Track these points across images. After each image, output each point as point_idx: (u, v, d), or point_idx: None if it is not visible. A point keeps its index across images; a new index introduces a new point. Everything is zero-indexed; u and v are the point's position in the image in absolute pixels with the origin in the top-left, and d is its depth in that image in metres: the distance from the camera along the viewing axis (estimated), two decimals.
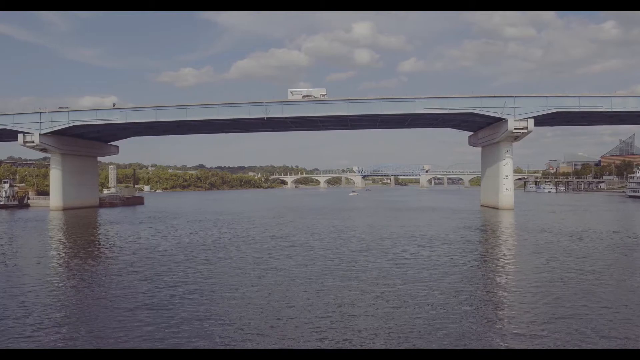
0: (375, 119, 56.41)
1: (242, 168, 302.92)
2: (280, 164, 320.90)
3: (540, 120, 51.74)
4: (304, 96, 51.96)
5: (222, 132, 69.45)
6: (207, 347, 9.49)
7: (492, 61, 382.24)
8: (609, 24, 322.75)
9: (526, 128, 49.30)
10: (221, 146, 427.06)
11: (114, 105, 55.90)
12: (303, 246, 23.85)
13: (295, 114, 52.49)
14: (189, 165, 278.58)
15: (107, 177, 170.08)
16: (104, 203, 68.15)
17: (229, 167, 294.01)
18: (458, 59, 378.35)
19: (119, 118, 54.63)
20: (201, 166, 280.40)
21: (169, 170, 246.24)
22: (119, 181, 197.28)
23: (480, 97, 51.79)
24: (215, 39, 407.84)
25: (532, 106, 50.52)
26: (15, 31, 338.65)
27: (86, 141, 64.06)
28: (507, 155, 52.35)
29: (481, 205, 59.65)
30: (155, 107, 54.58)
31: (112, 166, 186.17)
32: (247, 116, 52.65)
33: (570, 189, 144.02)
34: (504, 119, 49.90)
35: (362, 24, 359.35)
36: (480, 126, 57.94)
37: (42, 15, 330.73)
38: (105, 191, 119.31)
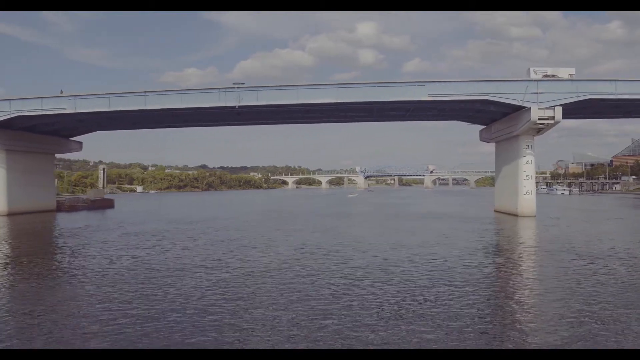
0: (371, 108, 47.63)
1: (244, 168, 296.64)
2: (282, 164, 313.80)
3: (569, 110, 42.87)
4: (545, 75, 42.63)
5: (191, 126, 60.79)
6: None
7: (496, 61, 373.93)
8: (614, 24, 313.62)
9: (553, 118, 40.46)
10: (225, 147, 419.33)
11: (61, 92, 47.40)
12: (225, 290, 14.95)
13: (273, 101, 43.65)
14: (190, 165, 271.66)
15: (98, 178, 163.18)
16: (63, 207, 59.86)
17: (231, 167, 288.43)
18: (462, 59, 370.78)
19: (67, 107, 46.13)
20: (203, 166, 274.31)
21: (167, 170, 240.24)
22: (112, 182, 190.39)
23: (496, 81, 43.01)
24: (218, 39, 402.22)
25: (560, 92, 41.59)
26: (17, 31, 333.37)
27: (40, 136, 55.69)
28: (528, 151, 43.58)
29: (495, 211, 50.78)
30: (109, 94, 46.08)
31: (101, 166, 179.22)
32: (215, 104, 43.96)
33: (584, 190, 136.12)
34: (525, 107, 41.21)
35: (365, 24, 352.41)
36: (494, 118, 49.20)
37: (45, 15, 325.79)
38: None
